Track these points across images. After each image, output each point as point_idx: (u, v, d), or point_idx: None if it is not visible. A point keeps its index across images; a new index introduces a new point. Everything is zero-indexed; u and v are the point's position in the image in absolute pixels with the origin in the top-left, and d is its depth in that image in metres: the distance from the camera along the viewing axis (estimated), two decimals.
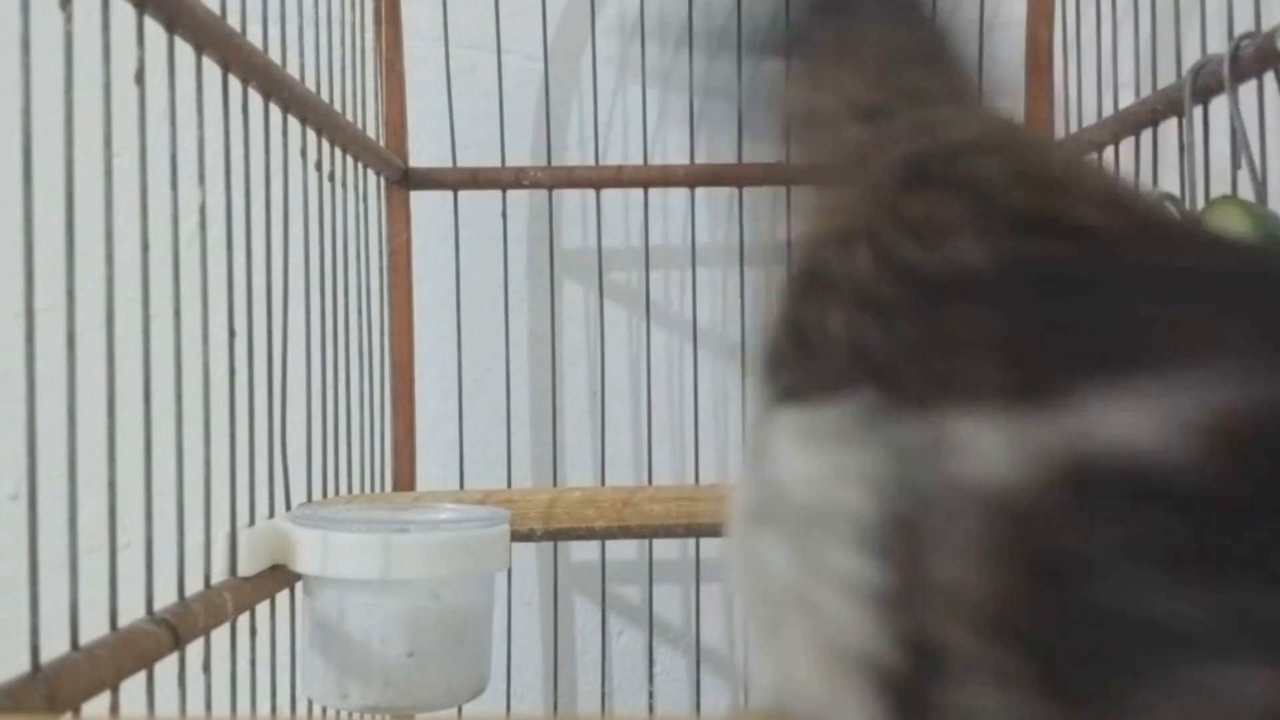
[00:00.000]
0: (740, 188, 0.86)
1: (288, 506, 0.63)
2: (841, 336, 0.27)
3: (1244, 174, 0.58)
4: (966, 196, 0.28)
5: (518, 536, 0.69)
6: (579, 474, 0.96)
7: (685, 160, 0.88)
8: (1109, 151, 0.76)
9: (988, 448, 0.23)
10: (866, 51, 0.36)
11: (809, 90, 0.37)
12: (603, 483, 0.91)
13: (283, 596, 0.62)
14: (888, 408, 0.25)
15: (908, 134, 0.33)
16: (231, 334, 0.56)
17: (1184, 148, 0.63)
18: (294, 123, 0.64)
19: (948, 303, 0.26)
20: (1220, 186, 0.60)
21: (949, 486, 0.23)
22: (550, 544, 0.90)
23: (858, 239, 0.29)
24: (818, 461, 0.26)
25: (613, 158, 0.94)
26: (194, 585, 0.52)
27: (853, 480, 0.25)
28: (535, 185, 0.88)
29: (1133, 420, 0.22)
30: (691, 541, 0.90)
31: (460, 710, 0.74)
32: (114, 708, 0.44)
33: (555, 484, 0.92)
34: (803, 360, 0.28)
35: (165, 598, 0.50)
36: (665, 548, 0.91)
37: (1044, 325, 0.24)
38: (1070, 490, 0.22)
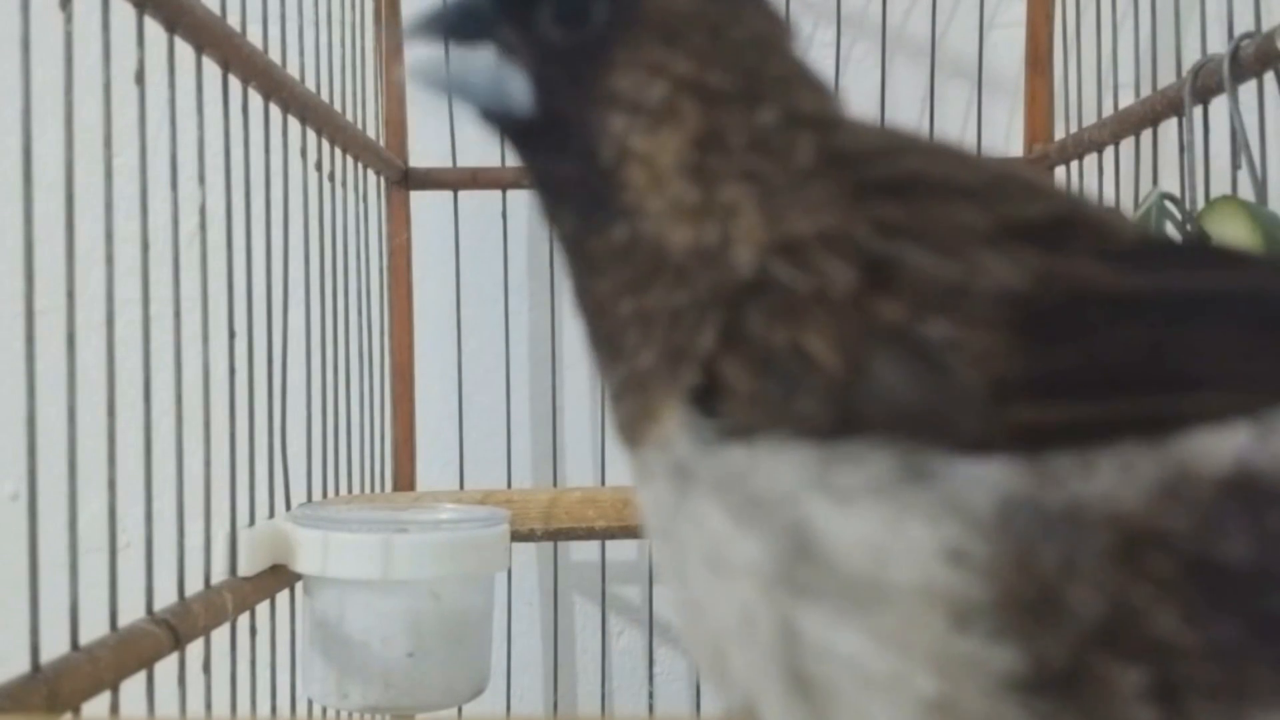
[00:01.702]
0: None
1: (288, 506, 0.63)
2: (838, 366, 0.24)
3: (1244, 174, 0.58)
4: (952, 202, 0.25)
5: (518, 536, 0.69)
6: (579, 474, 0.95)
7: None
8: (1109, 151, 0.76)
9: (1102, 476, 0.23)
10: (693, 31, 0.28)
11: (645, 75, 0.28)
12: (603, 483, 0.91)
13: (283, 596, 0.62)
14: (939, 456, 0.23)
15: (806, 128, 0.28)
16: (231, 334, 0.56)
17: (1184, 148, 0.63)
18: (294, 123, 0.64)
19: (988, 331, 0.23)
20: (1220, 186, 0.60)
21: (1069, 522, 0.23)
22: (550, 544, 0.90)
23: (821, 247, 0.25)
24: (881, 530, 0.23)
25: None
26: (194, 585, 0.52)
27: (941, 554, 0.23)
28: None
29: (1243, 440, 0.22)
30: None
31: (460, 710, 0.74)
32: (114, 708, 0.44)
33: (555, 484, 0.92)
34: (769, 388, 0.24)
35: (165, 598, 0.50)
36: None
37: (1133, 351, 0.23)
38: (1208, 504, 0.22)
